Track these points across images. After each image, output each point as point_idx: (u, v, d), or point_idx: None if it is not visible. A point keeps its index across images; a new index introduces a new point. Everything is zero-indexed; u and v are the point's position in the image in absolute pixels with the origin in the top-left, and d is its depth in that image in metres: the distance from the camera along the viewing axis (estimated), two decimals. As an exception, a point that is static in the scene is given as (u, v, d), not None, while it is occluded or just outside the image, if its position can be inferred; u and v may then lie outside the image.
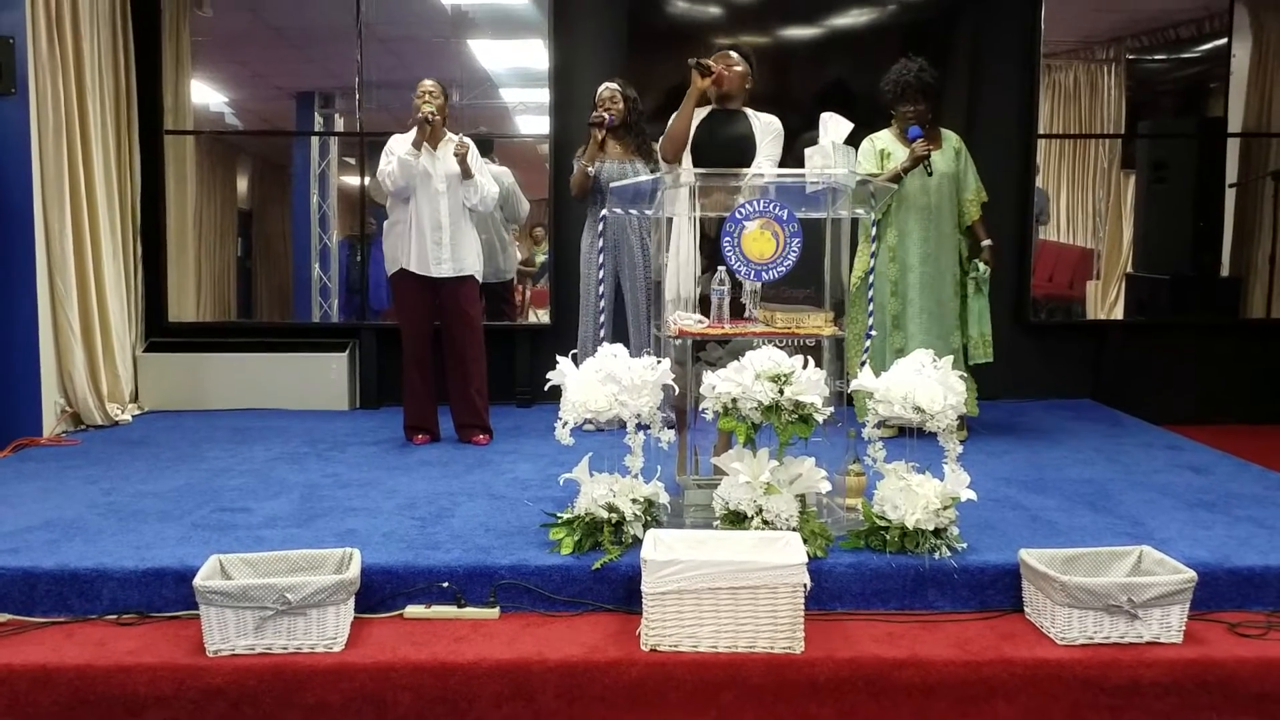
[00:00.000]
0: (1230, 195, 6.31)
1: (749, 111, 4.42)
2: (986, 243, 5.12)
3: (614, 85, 5.35)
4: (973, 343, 5.08)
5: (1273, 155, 6.27)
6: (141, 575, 3.17)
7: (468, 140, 4.94)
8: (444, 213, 4.91)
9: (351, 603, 3.00)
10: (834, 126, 3.80)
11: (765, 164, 4.29)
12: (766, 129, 4.38)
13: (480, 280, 5.12)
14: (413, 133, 4.88)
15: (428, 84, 4.91)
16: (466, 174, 4.90)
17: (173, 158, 6.13)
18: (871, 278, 4.15)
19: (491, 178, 5.10)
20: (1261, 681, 2.86)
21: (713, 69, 4.25)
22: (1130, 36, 6.33)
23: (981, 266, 5.05)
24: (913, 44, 5.67)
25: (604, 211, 4.35)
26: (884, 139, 5.07)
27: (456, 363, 5.07)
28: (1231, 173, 6.29)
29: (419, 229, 4.92)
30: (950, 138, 5.11)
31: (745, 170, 3.99)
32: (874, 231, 4.04)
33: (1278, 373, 6.30)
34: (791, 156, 4.63)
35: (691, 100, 4.27)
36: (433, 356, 5.10)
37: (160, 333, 6.15)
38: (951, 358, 3.46)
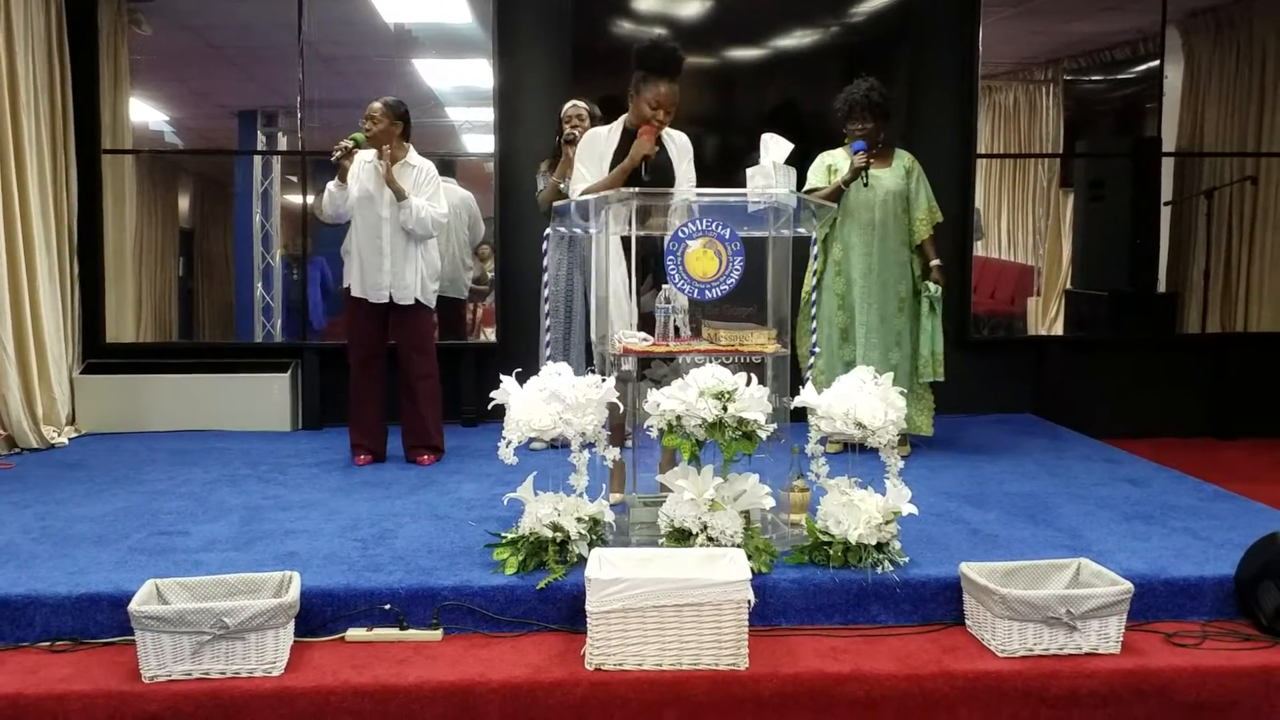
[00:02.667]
0: (1165, 213, 6.43)
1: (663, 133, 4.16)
2: (935, 262, 5.15)
3: (581, 104, 5.31)
4: (923, 360, 5.13)
5: (1205, 174, 6.41)
6: (75, 601, 3.11)
7: (420, 160, 4.92)
8: (386, 239, 4.88)
9: (291, 626, 2.96)
10: (775, 147, 3.83)
11: (685, 186, 4.17)
12: (682, 152, 4.18)
13: (433, 303, 5.10)
14: (369, 154, 4.89)
15: (374, 109, 4.84)
16: (399, 195, 4.81)
17: (111, 177, 6.04)
18: (814, 294, 4.20)
19: (442, 200, 4.99)
20: (1197, 690, 2.91)
21: (650, 151, 3.99)
22: (1067, 58, 6.45)
23: (932, 286, 5.09)
24: (854, 65, 5.73)
25: (547, 230, 4.34)
26: (833, 156, 5.14)
27: (407, 384, 5.04)
28: (1166, 191, 6.42)
29: (360, 253, 4.91)
30: (902, 157, 5.17)
31: (673, 190, 3.95)
32: (815, 250, 4.04)
33: (1212, 387, 6.44)
34: (734, 179, 4.62)
35: (624, 174, 4.05)
36: (384, 376, 5.06)
37: (98, 354, 6.05)
38: (892, 374, 3.50)
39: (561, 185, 5.19)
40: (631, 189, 3.75)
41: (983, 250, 6.42)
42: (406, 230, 4.89)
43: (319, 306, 6.22)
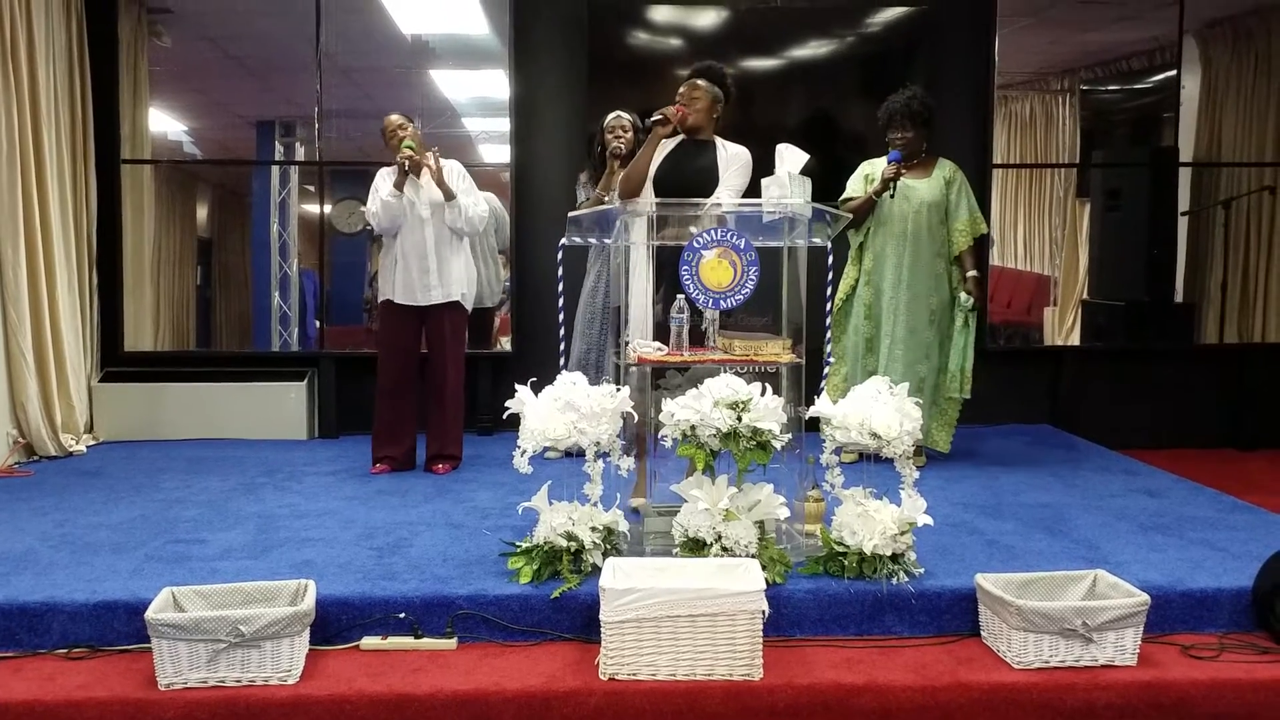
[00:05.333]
0: (1183, 223, 6.40)
1: (718, 142, 4.31)
2: (971, 274, 5.10)
3: (625, 115, 5.31)
4: (949, 376, 5.10)
5: (1223, 184, 6.38)
6: (93, 608, 3.13)
7: (445, 161, 4.97)
8: (429, 241, 4.91)
9: (306, 634, 2.97)
10: (790, 156, 3.84)
11: (725, 194, 4.25)
12: (732, 159, 4.26)
13: (470, 307, 5.13)
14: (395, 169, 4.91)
15: (395, 119, 4.92)
16: (448, 195, 4.90)
17: (130, 187, 6.09)
18: (830, 305, 4.20)
19: (479, 197, 5.09)
20: (1214, 703, 2.89)
21: (670, 118, 4.20)
22: (1083, 68, 6.44)
23: (964, 297, 5.07)
24: (870, 75, 5.75)
25: (563, 240, 4.35)
26: (874, 165, 5.14)
27: (434, 390, 5.05)
28: (1183, 201, 6.39)
29: (404, 259, 4.91)
30: (944, 167, 5.14)
31: (703, 200, 3.99)
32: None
33: (1230, 397, 6.40)
34: (750, 189, 4.64)
35: (651, 146, 4.21)
36: (416, 386, 5.08)
37: (116, 362, 6.08)
38: (908, 385, 3.49)
39: (606, 198, 5.18)
40: (652, 199, 3.78)
41: (999, 260, 6.40)
42: (455, 229, 4.96)
43: (341, 314, 6.26)
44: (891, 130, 5.05)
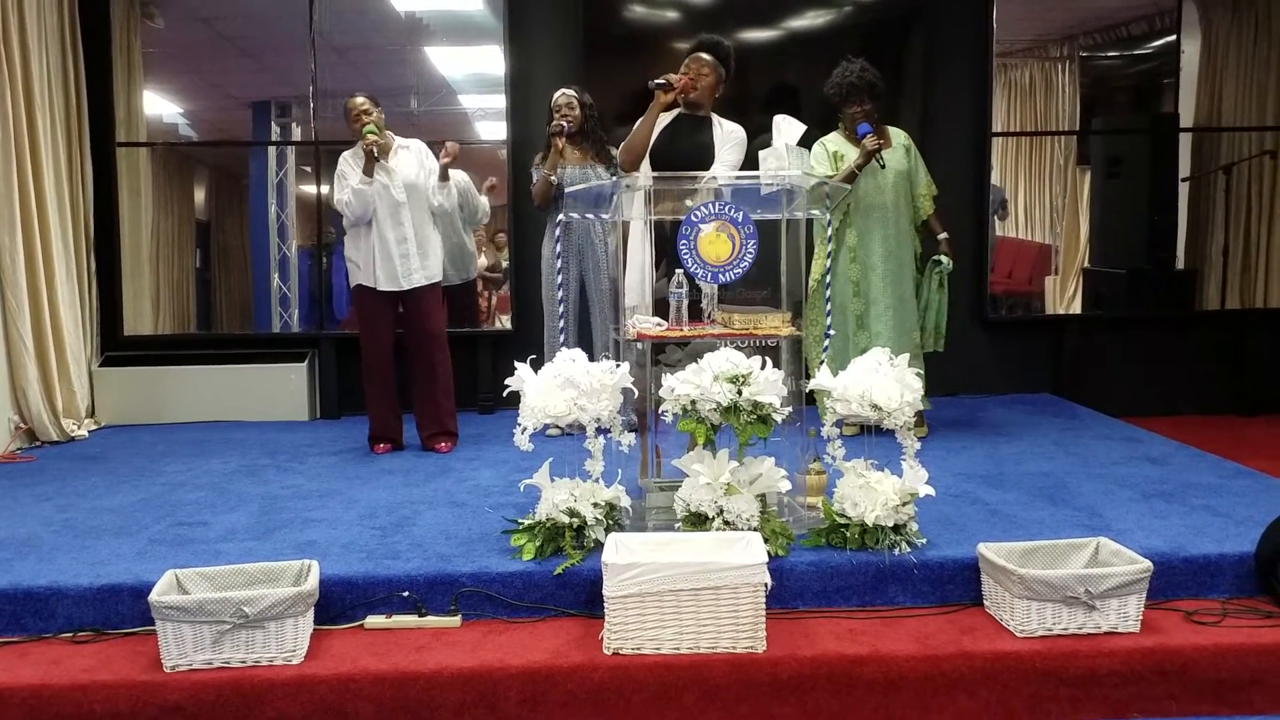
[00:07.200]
0: (1183, 189, 6.38)
1: (714, 118, 4.35)
2: (943, 236, 5.11)
3: (570, 92, 5.32)
4: (925, 333, 5.11)
5: (1223, 149, 6.35)
6: (97, 592, 3.14)
7: (410, 141, 4.96)
8: (408, 223, 4.87)
9: (311, 614, 2.98)
10: (787, 128, 3.82)
11: (720, 170, 4.27)
12: (728, 137, 4.31)
13: (442, 284, 5.11)
14: (359, 149, 4.87)
15: (359, 102, 4.84)
16: (444, 178, 4.92)
17: (126, 170, 6.07)
18: (829, 278, 4.19)
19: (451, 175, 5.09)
20: (1217, 668, 2.89)
21: (674, 84, 4.21)
22: (1083, 34, 6.39)
23: (944, 260, 5.06)
24: (868, 45, 5.71)
25: (561, 216, 4.35)
26: (834, 141, 5.08)
27: (423, 370, 5.04)
28: (1184, 167, 6.37)
29: (383, 244, 4.85)
30: (899, 135, 5.12)
31: (701, 174, 3.98)
32: (829, 233, 4.04)
33: (1232, 363, 6.39)
34: (747, 159, 4.63)
35: (653, 115, 4.23)
36: (396, 366, 5.07)
37: (116, 346, 6.08)
38: (908, 355, 3.48)
39: (553, 178, 5.18)
40: (650, 173, 3.78)
41: (1000, 229, 6.38)
42: (443, 211, 4.99)
43: (343, 294, 6.24)
44: (850, 105, 4.98)
